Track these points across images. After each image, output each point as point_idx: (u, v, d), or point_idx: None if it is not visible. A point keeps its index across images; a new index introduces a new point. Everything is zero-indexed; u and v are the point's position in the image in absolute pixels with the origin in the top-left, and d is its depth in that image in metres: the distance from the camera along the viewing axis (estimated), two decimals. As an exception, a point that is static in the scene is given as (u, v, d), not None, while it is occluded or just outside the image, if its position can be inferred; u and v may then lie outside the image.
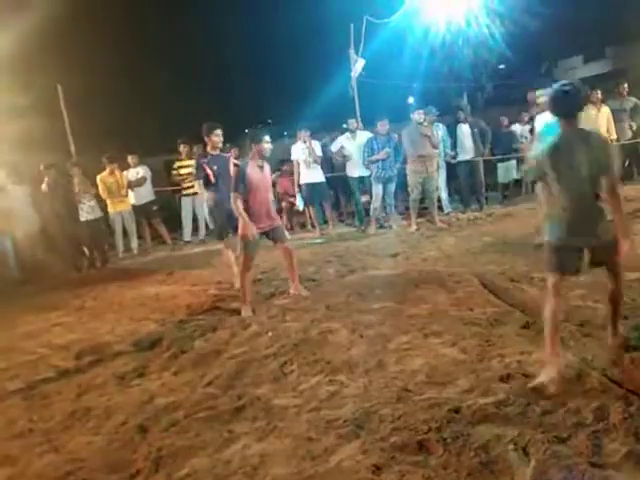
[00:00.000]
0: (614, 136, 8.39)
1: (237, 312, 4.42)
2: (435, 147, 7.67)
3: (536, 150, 2.85)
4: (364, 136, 8.00)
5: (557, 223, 2.69)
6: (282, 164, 8.82)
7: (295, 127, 8.46)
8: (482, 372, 2.73)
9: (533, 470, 1.91)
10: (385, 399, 2.60)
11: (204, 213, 8.98)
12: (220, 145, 5.33)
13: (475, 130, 8.50)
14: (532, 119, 9.16)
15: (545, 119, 6.08)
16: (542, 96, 6.11)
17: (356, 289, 4.62)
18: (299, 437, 2.38)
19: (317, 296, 4.59)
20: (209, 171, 5.20)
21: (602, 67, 13.23)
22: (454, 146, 8.55)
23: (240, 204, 4.36)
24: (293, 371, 3.11)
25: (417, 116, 7.45)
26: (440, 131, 8.25)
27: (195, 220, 8.94)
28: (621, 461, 1.90)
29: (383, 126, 7.63)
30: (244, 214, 4.36)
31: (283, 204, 8.72)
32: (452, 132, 8.53)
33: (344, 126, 8.88)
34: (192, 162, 8.68)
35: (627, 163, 9.02)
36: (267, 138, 4.51)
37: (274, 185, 8.76)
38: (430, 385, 2.68)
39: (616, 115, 8.43)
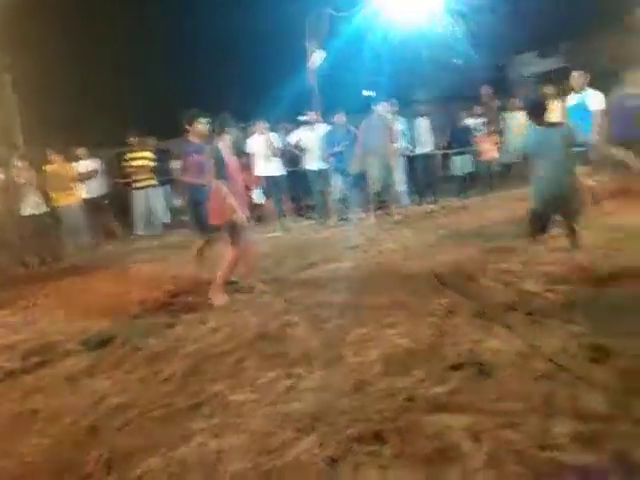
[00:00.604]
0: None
1: (193, 308, 4.34)
2: (395, 140, 7.75)
3: (524, 139, 4.64)
4: (322, 128, 7.99)
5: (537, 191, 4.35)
6: (239, 157, 8.70)
7: (251, 119, 8.36)
8: (436, 361, 2.77)
9: (485, 456, 1.96)
10: (343, 391, 2.61)
11: (158, 206, 8.82)
12: (206, 133, 4.97)
13: (433, 124, 8.65)
14: (487, 112, 9.41)
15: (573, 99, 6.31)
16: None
17: (315, 282, 4.62)
18: (256, 432, 2.36)
19: (276, 290, 4.56)
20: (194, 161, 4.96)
21: (556, 62, 13.61)
22: (412, 139, 8.67)
23: (226, 189, 4.22)
24: (250, 366, 3.07)
25: (381, 108, 7.48)
26: (400, 124, 8.35)
27: (149, 214, 8.72)
28: (568, 443, 1.97)
29: (340, 118, 7.65)
30: (232, 198, 4.22)
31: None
32: (411, 125, 8.64)
33: (300, 118, 8.87)
34: (146, 154, 8.50)
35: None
36: (202, 119, 4.61)
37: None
38: (386, 376, 2.70)
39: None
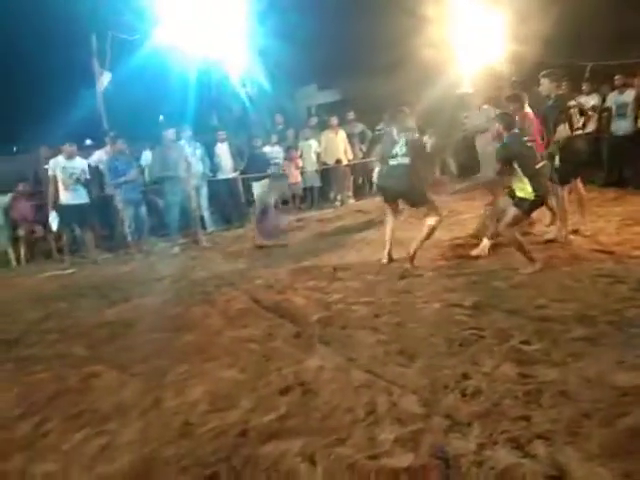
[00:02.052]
0: (350, 156, 9.63)
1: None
2: (190, 166, 7.62)
3: None
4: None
5: None
6: (17, 184, 7.57)
7: (29, 141, 7.35)
8: (262, 389, 2.75)
9: (321, 477, 1.99)
10: (166, 439, 2.40)
11: None
12: None
13: (233, 149, 8.76)
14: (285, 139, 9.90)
15: None
16: None
17: (120, 322, 4.21)
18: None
19: (71, 337, 4.02)
20: None
21: (333, 95, 15.03)
22: (213, 165, 8.65)
23: None
24: (51, 430, 2.63)
25: (169, 135, 7.33)
26: (199, 150, 8.26)
27: None
28: (391, 447, 2.11)
29: (122, 145, 7.29)
30: None
31: (20, 232, 7.48)
32: (210, 151, 8.61)
33: (88, 142, 8.22)
34: None
35: (361, 180, 10.45)
36: None
37: (8, 211, 7.48)
38: (213, 413, 2.58)
39: (349, 139, 9.69)
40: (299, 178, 9.63)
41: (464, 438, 2.08)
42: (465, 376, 2.58)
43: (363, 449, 2.10)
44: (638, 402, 2.23)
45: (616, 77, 7.63)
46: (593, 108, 7.57)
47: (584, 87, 7.96)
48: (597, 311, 3.22)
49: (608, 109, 7.74)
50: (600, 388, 2.37)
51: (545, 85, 5.27)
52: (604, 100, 7.87)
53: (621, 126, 7.54)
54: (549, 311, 3.34)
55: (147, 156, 8.26)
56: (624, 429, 2.06)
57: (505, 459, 1.93)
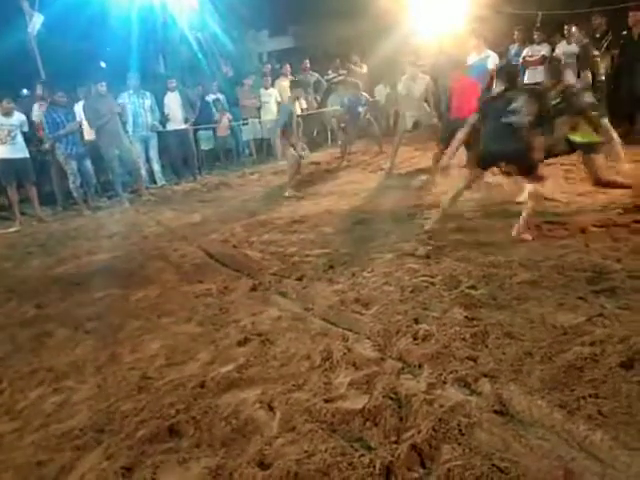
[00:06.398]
0: (304, 106, 9.45)
1: None
2: (123, 118, 7.33)
3: None
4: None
5: None
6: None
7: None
8: (220, 341, 2.77)
9: (279, 422, 2.05)
10: (124, 393, 2.41)
11: None
12: None
13: (183, 99, 8.40)
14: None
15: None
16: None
17: (71, 280, 4.11)
18: (24, 465, 2.02)
19: (22, 296, 3.91)
20: None
21: (285, 43, 14.52)
22: (162, 115, 8.30)
23: None
24: (4, 390, 2.59)
25: (100, 88, 6.99)
26: (148, 100, 7.90)
27: None
28: (346, 391, 2.19)
29: (61, 97, 6.86)
30: None
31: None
32: (160, 101, 8.23)
33: (24, 92, 7.68)
34: None
35: (315, 132, 10.31)
36: None
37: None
38: (171, 366, 2.59)
39: (304, 88, 9.45)
40: (227, 132, 9.37)
41: (415, 379, 2.18)
42: (416, 321, 2.68)
43: (319, 393, 2.17)
44: (576, 340, 2.39)
45: (565, 26, 7.69)
46: (543, 57, 7.70)
47: (535, 36, 8.01)
48: (540, 256, 3.38)
49: (558, 59, 7.83)
50: (542, 328, 2.51)
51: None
52: (553, 50, 7.95)
53: (569, 76, 7.66)
54: (497, 257, 3.47)
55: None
56: (562, 365, 2.21)
57: (453, 397, 2.04)
